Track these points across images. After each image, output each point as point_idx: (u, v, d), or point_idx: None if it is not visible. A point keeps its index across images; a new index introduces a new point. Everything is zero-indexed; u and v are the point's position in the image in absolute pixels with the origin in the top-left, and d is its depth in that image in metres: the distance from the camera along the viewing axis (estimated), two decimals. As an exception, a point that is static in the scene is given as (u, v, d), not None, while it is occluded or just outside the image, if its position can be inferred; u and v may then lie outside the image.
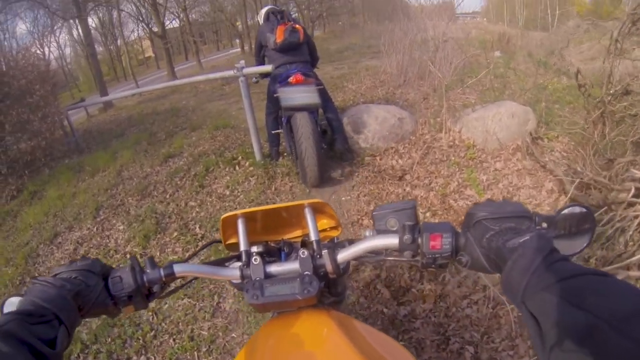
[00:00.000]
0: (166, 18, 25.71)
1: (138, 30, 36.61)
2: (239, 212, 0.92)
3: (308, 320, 0.86)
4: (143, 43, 46.82)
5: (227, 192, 4.10)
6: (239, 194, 4.07)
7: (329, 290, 1.02)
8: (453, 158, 3.99)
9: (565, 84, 6.45)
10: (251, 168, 4.38)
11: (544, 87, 5.79)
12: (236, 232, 0.93)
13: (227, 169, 4.56)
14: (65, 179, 5.87)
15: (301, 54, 4.08)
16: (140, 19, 20.79)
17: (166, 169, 5.16)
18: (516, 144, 3.89)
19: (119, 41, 32.78)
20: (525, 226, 0.67)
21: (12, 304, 0.66)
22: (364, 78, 8.53)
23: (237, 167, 4.52)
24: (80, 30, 13.99)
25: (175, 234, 3.62)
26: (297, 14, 32.05)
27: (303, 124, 3.58)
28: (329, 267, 0.83)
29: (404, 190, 3.69)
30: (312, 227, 0.89)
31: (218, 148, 5.33)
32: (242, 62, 3.99)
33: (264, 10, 4.25)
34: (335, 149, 4.27)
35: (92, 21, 33.36)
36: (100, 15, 31.29)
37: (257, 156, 4.42)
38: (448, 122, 4.33)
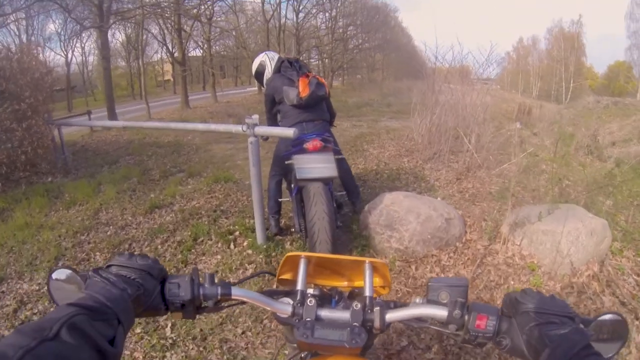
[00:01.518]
0: (190, 45, 25.79)
1: (161, 53, 36.89)
2: (303, 253, 0.97)
3: None
4: (164, 65, 47.32)
5: (215, 279, 3.23)
6: None
7: None
8: (512, 283, 3.06)
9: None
10: (249, 251, 3.54)
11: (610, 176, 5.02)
12: (293, 270, 1.01)
13: (219, 245, 3.72)
14: (38, 204, 5.11)
15: (321, 110, 3.53)
16: (163, 42, 20.45)
17: (149, 223, 4.36)
18: (592, 271, 3.04)
19: (140, 60, 32.75)
20: (567, 323, 0.69)
21: (63, 273, 0.74)
22: (385, 142, 7.88)
23: (232, 245, 3.69)
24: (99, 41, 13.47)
25: (139, 329, 2.73)
26: (318, 62, 32.42)
27: (317, 199, 2.98)
28: (377, 323, 0.85)
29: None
30: (369, 283, 0.92)
31: (214, 209, 4.54)
32: (255, 117, 3.10)
33: (270, 59, 3.70)
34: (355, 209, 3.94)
35: (119, 35, 34.01)
36: (129, 31, 31.79)
37: (259, 238, 3.50)
38: (505, 229, 3.50)
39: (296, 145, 3.22)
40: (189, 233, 3.90)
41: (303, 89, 3.29)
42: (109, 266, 0.76)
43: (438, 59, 7.19)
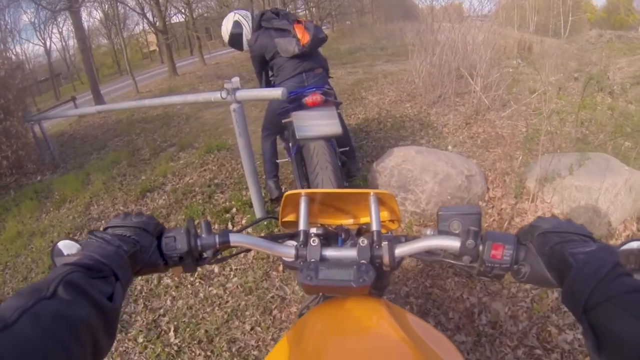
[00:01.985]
0: (171, 12, 24.68)
1: (142, 24, 35.55)
2: (303, 191, 0.91)
3: (358, 307, 0.83)
4: (148, 36, 45.89)
5: (215, 268, 2.88)
6: (230, 273, 2.86)
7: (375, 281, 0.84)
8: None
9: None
10: (249, 230, 3.07)
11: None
12: (295, 211, 0.93)
13: (216, 227, 3.35)
14: (28, 208, 4.85)
15: (320, 57, 3.20)
16: (141, 13, 19.49)
17: (142, 210, 4.00)
18: (630, 231, 2.61)
19: (120, 35, 31.67)
20: (589, 242, 0.63)
21: (66, 246, 0.71)
22: (384, 87, 7.37)
23: (230, 225, 3.33)
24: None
25: (141, 338, 2.44)
26: (305, 12, 31.21)
27: (320, 157, 2.68)
28: (386, 259, 0.81)
29: (480, 300, 2.22)
30: (375, 217, 0.86)
31: (208, 184, 4.16)
32: (235, 80, 2.58)
33: (243, 17, 3.28)
34: (349, 175, 3.41)
35: (97, 14, 32.72)
36: (106, 7, 30.58)
37: (258, 213, 3.17)
38: (532, 184, 3.01)
39: (293, 101, 2.89)
40: (183, 217, 3.56)
41: (302, 35, 2.93)
42: (105, 228, 0.76)
43: None
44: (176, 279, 2.85)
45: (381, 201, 0.93)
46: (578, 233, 0.65)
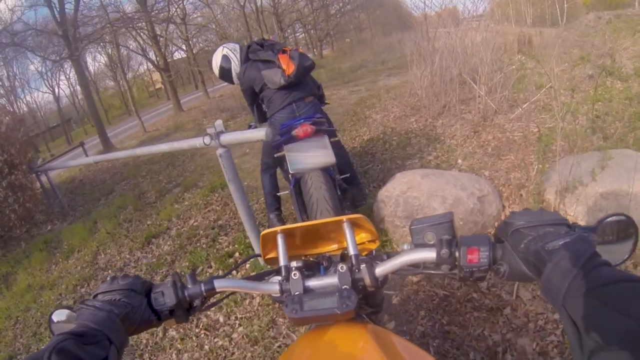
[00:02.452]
0: (173, 48, 25.05)
1: (145, 64, 36.19)
2: (278, 228, 0.91)
3: (344, 333, 0.84)
4: (153, 75, 46.68)
5: (220, 318, 2.74)
6: (235, 322, 2.69)
7: (367, 301, 0.95)
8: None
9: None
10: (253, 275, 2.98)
11: None
12: (276, 247, 0.93)
13: (220, 273, 3.21)
14: (38, 260, 4.79)
15: (309, 85, 3.12)
16: (142, 53, 19.79)
17: (147, 258, 3.93)
18: None
19: (122, 78, 32.15)
20: (563, 232, 0.62)
21: (61, 314, 0.77)
22: (387, 103, 7.23)
23: (235, 272, 3.15)
24: (90, 70, 12.93)
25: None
26: (304, 34, 31.49)
27: (316, 187, 2.58)
28: (367, 280, 0.82)
29: (504, 337, 1.97)
30: (351, 242, 0.87)
31: (212, 226, 4.05)
32: (218, 123, 2.42)
33: (232, 50, 3.23)
34: (355, 206, 3.28)
35: (101, 58, 33.38)
36: (109, 51, 31.18)
37: (261, 259, 2.98)
38: (552, 196, 2.76)
39: (284, 134, 2.77)
40: (187, 263, 3.42)
41: (287, 65, 2.86)
42: (95, 295, 0.78)
43: (425, 5, 6.49)
44: (181, 330, 2.72)
45: (356, 224, 0.93)
46: (552, 223, 0.64)
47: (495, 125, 4.67)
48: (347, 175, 3.16)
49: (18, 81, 31.22)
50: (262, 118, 3.38)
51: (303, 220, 2.73)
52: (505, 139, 4.27)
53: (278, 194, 3.36)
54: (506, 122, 4.68)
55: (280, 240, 0.90)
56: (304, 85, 3.03)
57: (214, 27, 22.68)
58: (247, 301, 2.78)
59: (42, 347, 0.57)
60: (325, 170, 2.69)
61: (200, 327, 2.72)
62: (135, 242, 4.31)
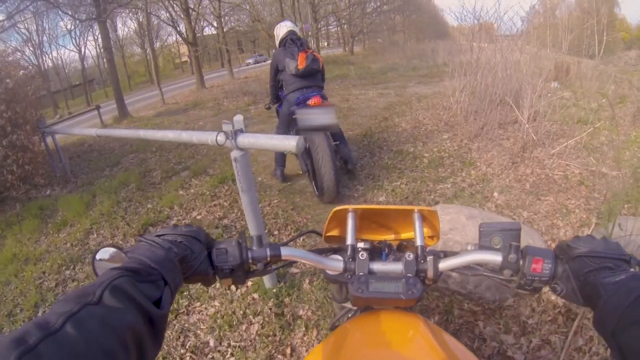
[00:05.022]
0: (203, 24, 24.68)
1: (175, 35, 35.87)
2: (350, 206, 0.91)
3: (397, 321, 0.85)
4: (181, 47, 46.41)
5: (210, 341, 2.36)
6: (227, 350, 2.27)
7: None
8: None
9: None
10: (255, 296, 2.60)
11: None
12: (341, 226, 0.97)
13: (217, 285, 2.79)
14: (29, 228, 4.46)
15: (318, 79, 4.09)
16: (172, 24, 19.44)
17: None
18: None
19: (149, 47, 31.81)
20: (622, 268, 0.64)
21: (106, 252, 0.72)
22: (419, 113, 6.79)
23: (234, 287, 2.77)
24: (109, 33, 12.65)
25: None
26: (337, 29, 30.99)
27: (321, 144, 3.63)
28: (430, 273, 0.82)
29: None
30: (419, 233, 0.87)
31: (215, 224, 3.66)
32: (239, 119, 1.99)
33: (281, 32, 4.19)
34: (348, 168, 4.34)
35: (131, 23, 33.13)
36: (140, 17, 30.91)
37: (267, 283, 2.61)
38: None
39: (300, 103, 3.84)
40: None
41: (301, 62, 3.84)
42: (155, 235, 0.73)
43: (465, 16, 6.06)
44: (165, 347, 2.34)
45: (424, 218, 0.92)
46: (613, 257, 0.65)
47: (535, 159, 4.25)
48: (338, 142, 4.13)
49: (46, 36, 31.10)
50: (276, 99, 4.60)
51: (307, 167, 4.02)
52: (544, 177, 3.88)
53: (285, 152, 4.20)
54: (546, 157, 4.25)
55: (350, 219, 0.90)
56: (314, 78, 4.00)
57: (247, 7, 22.20)
58: (244, 327, 2.40)
59: (94, 282, 0.52)
60: (327, 136, 3.70)
61: (187, 347, 2.35)
62: (131, 226, 3.94)
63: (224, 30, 22.92)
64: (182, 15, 17.67)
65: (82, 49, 33.34)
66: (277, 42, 4.22)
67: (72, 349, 0.42)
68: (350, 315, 1.03)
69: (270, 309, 2.44)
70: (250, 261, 0.81)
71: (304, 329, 2.28)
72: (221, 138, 1.95)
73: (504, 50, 5.45)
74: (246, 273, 0.82)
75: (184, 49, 43.50)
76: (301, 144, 1.57)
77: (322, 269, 0.89)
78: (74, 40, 32.58)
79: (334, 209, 0.91)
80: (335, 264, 0.85)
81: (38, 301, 3.10)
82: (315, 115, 3.66)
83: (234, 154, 1.96)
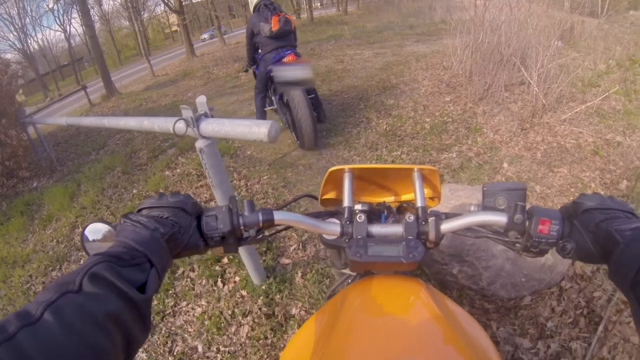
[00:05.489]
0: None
1: (163, 5, 34.66)
2: (346, 166, 0.88)
3: (398, 286, 0.82)
4: (170, 17, 45.06)
5: (199, 346, 2.11)
6: (216, 356, 2.04)
7: None
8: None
9: None
10: (243, 292, 2.35)
11: None
12: (337, 188, 0.94)
13: (203, 282, 2.54)
14: (16, 226, 4.25)
15: (291, 40, 4.32)
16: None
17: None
18: None
19: (144, 15, 30.75)
20: (633, 219, 0.61)
21: (96, 231, 0.70)
22: (418, 74, 6.39)
23: (220, 283, 2.51)
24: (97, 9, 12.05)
25: None
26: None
27: (299, 98, 3.92)
28: (432, 235, 0.79)
29: None
30: (420, 193, 0.84)
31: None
32: (202, 99, 1.65)
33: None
34: (320, 120, 4.52)
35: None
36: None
37: (255, 278, 2.33)
38: None
39: (276, 62, 4.09)
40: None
41: (274, 24, 4.08)
42: (140, 210, 0.70)
43: None
44: (152, 354, 2.11)
45: (425, 177, 0.89)
46: (622, 210, 0.63)
47: (545, 125, 3.92)
48: (313, 96, 4.32)
49: (29, 18, 30.09)
50: (252, 61, 4.88)
51: (286, 118, 4.34)
52: (556, 145, 3.57)
53: (265, 109, 4.72)
54: (557, 123, 3.91)
55: (347, 180, 0.87)
56: (287, 38, 4.23)
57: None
58: (233, 328, 2.16)
59: (75, 269, 0.51)
60: (304, 91, 3.96)
61: (175, 354, 2.12)
62: (116, 216, 3.71)
63: (212, -5, 22.06)
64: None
65: (68, 28, 32.27)
66: (251, 9, 4.47)
67: (51, 337, 0.41)
68: (349, 282, 1.00)
69: (260, 308, 2.19)
70: (242, 227, 0.76)
71: (297, 330, 2.05)
72: (180, 126, 1.63)
73: (512, 5, 5.00)
74: (238, 240, 0.78)
75: (173, 18, 42.31)
76: (274, 130, 1.26)
77: (319, 234, 0.86)
78: (57, 20, 31.36)
79: (330, 170, 0.88)
80: (332, 227, 0.82)
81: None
82: (291, 71, 3.93)
83: (199, 144, 1.65)
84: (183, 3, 19.00)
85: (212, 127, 1.52)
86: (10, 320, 0.41)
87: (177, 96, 8.88)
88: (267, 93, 4.65)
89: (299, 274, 2.39)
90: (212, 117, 1.64)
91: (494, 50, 4.81)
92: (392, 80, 6.29)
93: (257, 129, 1.31)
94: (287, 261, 2.52)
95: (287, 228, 0.87)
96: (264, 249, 2.64)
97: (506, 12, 4.94)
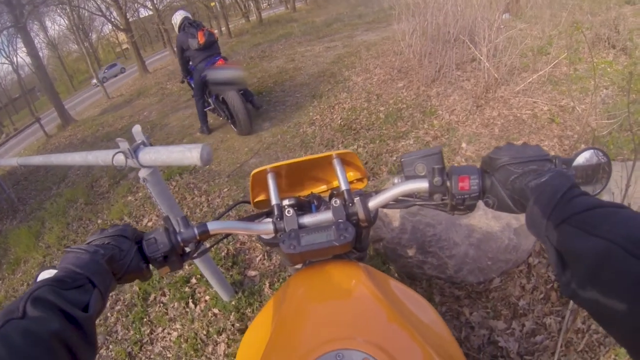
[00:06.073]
0: (137, 6, 23.17)
1: (108, 24, 33.78)
2: (268, 167, 0.91)
3: (337, 271, 0.84)
4: (119, 35, 44.08)
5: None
6: None
7: (354, 245, 0.87)
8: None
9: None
10: (215, 310, 2.34)
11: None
12: (265, 189, 0.94)
13: (175, 305, 2.53)
14: None
15: (216, 49, 5.10)
16: (102, 14, 18.25)
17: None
18: None
19: (92, 36, 29.94)
20: (546, 168, 0.65)
21: (47, 274, 0.65)
22: (369, 62, 6.46)
23: (192, 304, 2.49)
24: (46, 37, 11.65)
25: None
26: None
27: (232, 94, 4.72)
28: (361, 214, 0.81)
29: None
30: (342, 177, 0.88)
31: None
32: (137, 129, 1.64)
33: (178, 20, 5.16)
34: (255, 108, 5.43)
35: (61, 21, 30.88)
36: (68, 12, 28.81)
37: (224, 295, 2.33)
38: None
39: (208, 67, 4.81)
40: (138, 288, 2.75)
41: (201, 38, 4.83)
42: (85, 243, 0.71)
43: None
44: None
45: (345, 161, 0.93)
46: (536, 159, 0.66)
47: (499, 99, 4.02)
48: (243, 90, 5.06)
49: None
50: (186, 73, 5.61)
51: (224, 113, 5.16)
52: (512, 118, 3.67)
53: (205, 109, 5.50)
54: (511, 95, 4.02)
55: (270, 179, 0.90)
56: (212, 48, 5.01)
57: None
58: (210, 348, 2.16)
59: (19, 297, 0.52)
60: (237, 90, 4.73)
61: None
62: (83, 250, 3.63)
63: (159, 8, 21.65)
64: (111, 2, 16.56)
65: (15, 59, 31.06)
66: (176, 29, 5.18)
67: None
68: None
69: (232, 324, 2.20)
70: (181, 244, 0.79)
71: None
72: (120, 158, 1.62)
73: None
74: (180, 257, 0.79)
75: (122, 36, 41.40)
76: (206, 153, 1.26)
77: (255, 236, 0.87)
78: (2, 52, 30.11)
79: (253, 173, 0.90)
80: (265, 227, 0.84)
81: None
82: (222, 72, 4.65)
83: (142, 173, 1.63)
84: (130, 20, 18.65)
85: (150, 156, 1.52)
86: None
87: (133, 117, 8.73)
88: (204, 97, 5.32)
89: (267, 285, 2.41)
90: (151, 144, 1.62)
91: (442, 31, 4.90)
92: (344, 73, 6.35)
93: (190, 154, 1.32)
94: (253, 273, 2.54)
95: (227, 236, 0.90)
96: (230, 263, 2.65)
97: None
